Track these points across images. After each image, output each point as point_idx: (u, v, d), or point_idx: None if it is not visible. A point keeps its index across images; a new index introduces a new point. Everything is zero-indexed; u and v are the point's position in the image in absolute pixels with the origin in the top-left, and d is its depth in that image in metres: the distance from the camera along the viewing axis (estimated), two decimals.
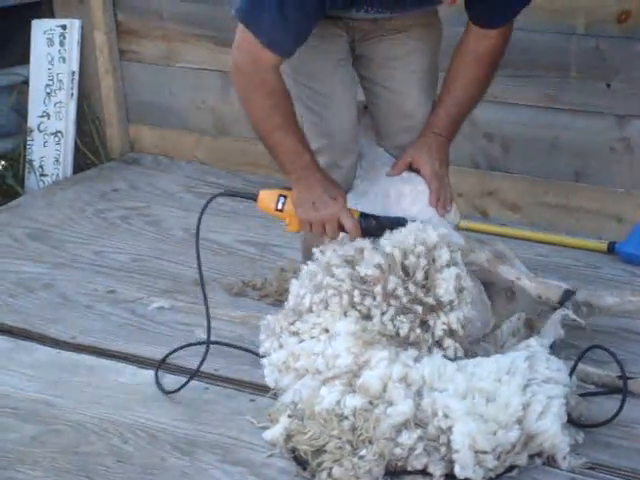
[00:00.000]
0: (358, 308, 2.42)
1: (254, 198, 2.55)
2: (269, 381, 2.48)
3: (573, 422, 2.31)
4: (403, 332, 2.37)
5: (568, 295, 2.53)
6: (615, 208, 3.24)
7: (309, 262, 2.56)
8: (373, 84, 2.65)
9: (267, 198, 2.52)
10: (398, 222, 2.50)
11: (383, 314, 2.39)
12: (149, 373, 2.63)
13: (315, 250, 2.54)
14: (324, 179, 2.49)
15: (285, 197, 2.49)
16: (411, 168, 2.59)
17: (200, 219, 2.56)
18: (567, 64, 3.18)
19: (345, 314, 2.42)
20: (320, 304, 2.46)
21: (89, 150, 4.01)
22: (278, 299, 2.90)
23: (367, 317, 2.41)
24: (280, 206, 2.50)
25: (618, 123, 3.17)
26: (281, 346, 2.47)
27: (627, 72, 3.11)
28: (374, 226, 2.49)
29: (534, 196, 3.35)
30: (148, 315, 2.93)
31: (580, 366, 2.45)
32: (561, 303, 2.53)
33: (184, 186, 3.78)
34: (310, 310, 2.48)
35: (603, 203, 3.26)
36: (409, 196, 2.56)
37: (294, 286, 2.57)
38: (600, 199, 3.26)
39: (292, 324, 2.49)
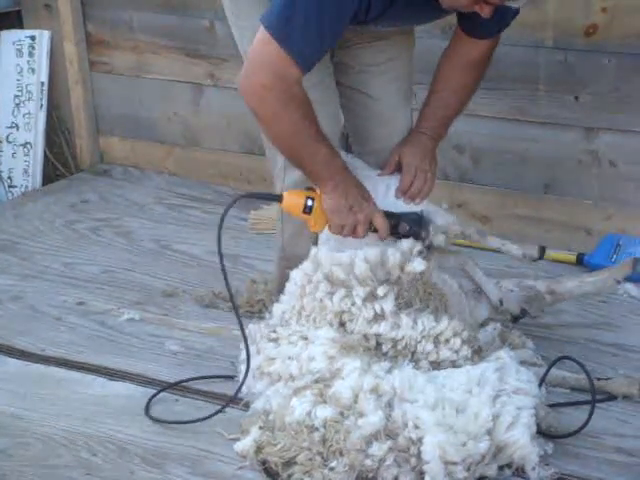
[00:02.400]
0: (342, 318, 2.43)
1: (278, 200, 2.50)
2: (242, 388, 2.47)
3: (542, 433, 2.32)
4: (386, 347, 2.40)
5: (544, 250, 2.71)
6: (583, 220, 3.26)
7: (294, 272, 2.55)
8: (351, 91, 2.66)
9: (294, 200, 2.47)
10: (414, 217, 2.53)
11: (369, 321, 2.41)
12: (119, 385, 2.62)
13: (312, 248, 2.53)
14: (356, 181, 2.49)
15: (312, 199, 2.46)
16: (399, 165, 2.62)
17: (221, 223, 2.46)
18: (536, 77, 3.21)
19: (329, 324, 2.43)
20: (304, 315, 2.47)
21: (59, 161, 3.99)
22: (249, 310, 2.90)
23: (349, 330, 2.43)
24: (308, 209, 2.47)
25: (586, 136, 3.20)
26: (258, 352, 2.47)
27: (595, 85, 3.14)
28: (394, 223, 2.51)
29: (503, 208, 3.38)
30: (118, 327, 2.91)
31: (556, 371, 2.48)
32: (540, 258, 2.69)
33: (155, 197, 3.77)
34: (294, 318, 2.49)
35: (571, 215, 3.28)
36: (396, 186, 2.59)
37: (286, 292, 2.56)
38: (569, 211, 3.28)
39: (273, 332, 2.48)
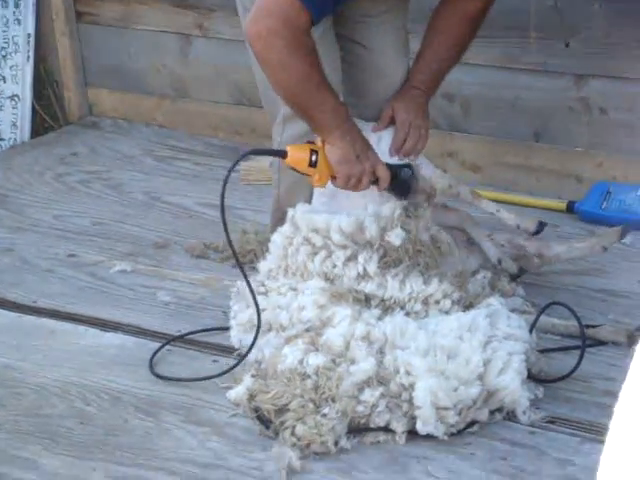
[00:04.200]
0: (329, 272, 2.43)
1: (283, 155, 2.47)
2: (234, 341, 2.49)
3: (533, 378, 2.34)
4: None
5: (542, 226, 2.70)
6: (574, 167, 3.26)
7: (283, 226, 2.55)
8: (348, 42, 2.64)
9: (298, 154, 2.43)
10: (407, 169, 2.53)
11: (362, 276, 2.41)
12: (111, 335, 2.63)
13: (289, 210, 2.53)
14: (359, 129, 2.48)
15: (316, 152, 2.43)
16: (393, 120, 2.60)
17: (227, 179, 2.40)
18: (526, 24, 3.19)
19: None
20: (290, 272, 2.48)
21: (47, 114, 3.97)
22: (240, 260, 2.90)
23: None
24: (313, 162, 2.44)
25: (576, 83, 3.19)
26: (248, 306, 2.48)
27: (586, 31, 3.13)
28: (405, 173, 2.52)
29: (494, 156, 3.37)
30: (109, 278, 2.92)
31: (545, 318, 2.50)
32: (537, 233, 2.70)
33: (144, 149, 3.75)
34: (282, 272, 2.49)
35: (562, 163, 3.28)
36: (388, 138, 2.57)
37: (270, 251, 2.56)
38: (559, 159, 3.28)
39: (261, 285, 2.49)
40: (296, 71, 2.35)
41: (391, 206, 2.50)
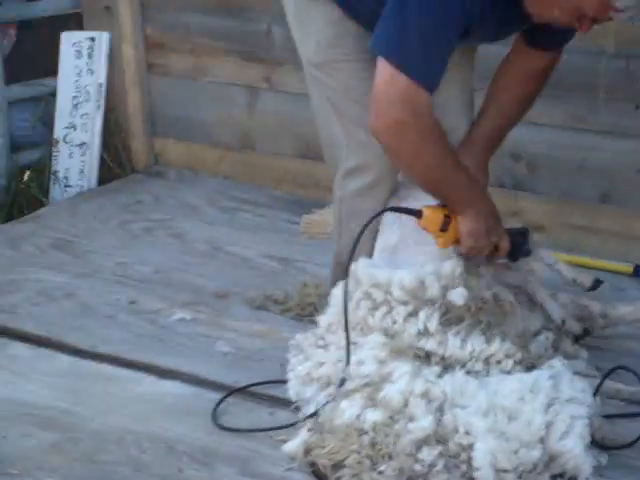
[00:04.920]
0: (389, 327, 2.41)
1: (418, 215, 2.46)
2: (291, 393, 2.46)
3: (596, 444, 2.28)
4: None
5: (599, 283, 2.68)
6: None
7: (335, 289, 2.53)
8: None
9: (433, 218, 2.44)
10: (523, 233, 2.57)
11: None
12: (169, 383, 2.62)
13: (352, 264, 2.49)
14: (493, 204, 2.49)
15: (450, 218, 2.44)
16: None
17: (361, 233, 2.43)
18: (596, 84, 3.17)
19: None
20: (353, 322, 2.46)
21: (114, 162, 4.02)
22: (300, 313, 2.89)
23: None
24: (444, 227, 2.45)
25: None
26: (307, 359, 2.46)
27: None
28: (524, 251, 2.59)
29: (560, 217, 3.33)
30: (169, 326, 2.92)
31: (610, 383, 2.45)
32: (592, 289, 2.67)
33: (208, 200, 3.78)
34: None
35: (629, 225, 3.23)
36: None
37: (330, 305, 2.54)
38: (626, 221, 3.24)
39: (321, 339, 2.47)
40: (432, 157, 2.32)
41: (452, 264, 2.48)
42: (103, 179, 3.98)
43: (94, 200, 3.80)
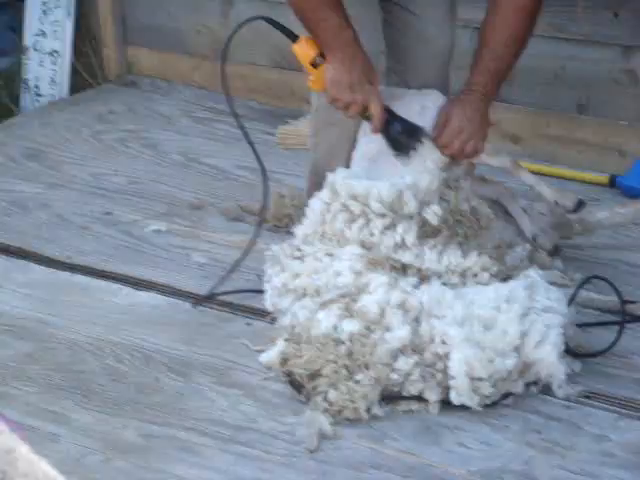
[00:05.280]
0: (367, 240, 2.40)
1: (294, 39, 2.44)
2: (268, 304, 2.47)
3: (570, 352, 2.30)
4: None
5: (581, 205, 2.67)
6: (617, 141, 3.20)
7: (320, 191, 2.51)
8: (396, 6, 2.59)
9: (307, 47, 2.41)
10: (419, 131, 2.44)
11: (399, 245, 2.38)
12: (145, 294, 2.62)
13: (328, 175, 2.48)
14: (365, 60, 2.42)
15: (324, 58, 2.40)
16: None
17: (230, 39, 2.50)
18: None
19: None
20: (327, 237, 2.45)
21: (86, 71, 3.95)
22: (276, 224, 2.88)
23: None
24: (315, 63, 2.40)
25: (624, 54, 3.13)
26: (283, 270, 2.45)
27: (635, 1, 3.06)
28: (395, 127, 2.44)
29: (536, 128, 3.31)
30: (144, 237, 2.90)
31: (584, 292, 2.46)
32: (575, 211, 2.65)
33: (182, 110, 3.73)
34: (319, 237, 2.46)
35: (605, 136, 3.22)
36: (433, 109, 2.50)
37: (307, 217, 2.53)
38: (602, 132, 3.22)
39: (297, 250, 2.46)
40: None
41: (430, 177, 2.46)
42: (75, 88, 3.91)
43: (66, 110, 3.75)
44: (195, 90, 3.86)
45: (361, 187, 2.43)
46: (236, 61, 3.78)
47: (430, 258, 2.37)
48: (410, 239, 2.38)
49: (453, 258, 2.38)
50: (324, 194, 2.48)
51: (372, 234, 2.40)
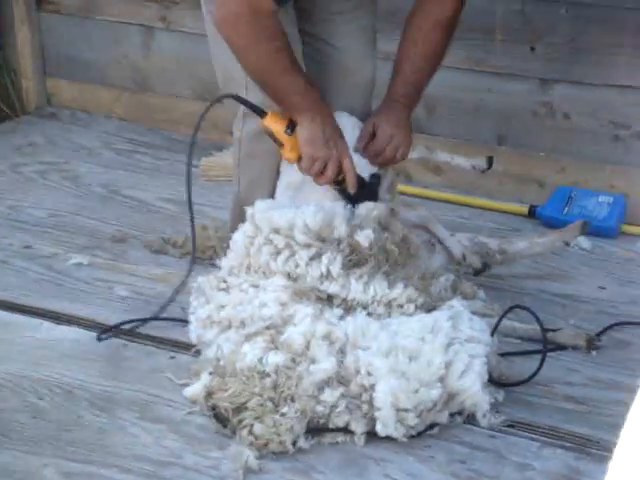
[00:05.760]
0: (292, 271, 2.40)
1: (262, 114, 2.45)
2: (192, 337, 2.44)
3: (494, 381, 2.32)
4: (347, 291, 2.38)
5: (491, 160, 2.81)
6: (536, 172, 3.26)
7: (242, 224, 2.51)
8: (316, 40, 2.62)
9: (278, 119, 2.43)
10: (374, 180, 2.52)
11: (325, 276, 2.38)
12: (66, 329, 2.58)
13: (248, 209, 2.49)
14: (332, 116, 2.46)
15: (295, 125, 2.41)
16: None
17: (202, 116, 2.49)
18: (492, 26, 3.18)
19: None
20: (252, 269, 2.44)
21: (4, 103, 3.89)
22: (200, 257, 2.86)
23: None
24: (289, 130, 2.42)
25: (541, 87, 3.19)
26: (208, 302, 2.44)
27: (551, 36, 3.13)
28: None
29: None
30: (65, 271, 2.86)
31: (507, 322, 2.49)
32: (489, 168, 2.82)
33: (103, 142, 3.70)
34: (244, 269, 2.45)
35: (525, 167, 3.27)
36: (347, 128, 2.52)
37: (232, 249, 2.51)
38: (522, 163, 3.27)
39: (223, 281, 2.45)
40: (263, 53, 2.36)
41: (368, 206, 2.47)
42: None
43: None
44: (116, 122, 3.84)
45: (283, 219, 2.43)
46: (158, 92, 3.78)
47: (356, 288, 2.38)
48: (335, 269, 2.39)
49: (379, 289, 2.39)
50: (247, 228, 2.48)
51: (297, 265, 2.40)
